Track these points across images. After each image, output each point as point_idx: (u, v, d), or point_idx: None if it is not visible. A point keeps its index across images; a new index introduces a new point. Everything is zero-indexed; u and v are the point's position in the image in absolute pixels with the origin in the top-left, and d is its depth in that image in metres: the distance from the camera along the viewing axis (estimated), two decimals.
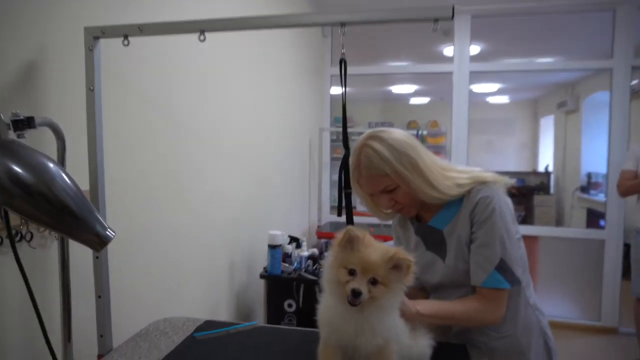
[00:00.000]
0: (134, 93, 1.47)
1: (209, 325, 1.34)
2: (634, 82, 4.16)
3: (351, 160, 1.17)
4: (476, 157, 7.56)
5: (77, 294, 1.15)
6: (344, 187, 1.12)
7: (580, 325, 3.64)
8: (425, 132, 4.09)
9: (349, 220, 1.12)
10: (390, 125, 7.58)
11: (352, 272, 0.86)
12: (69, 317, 1.04)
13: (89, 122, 1.14)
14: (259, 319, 2.48)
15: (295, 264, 2.33)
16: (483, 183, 1.15)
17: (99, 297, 1.16)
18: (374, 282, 0.86)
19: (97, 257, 1.16)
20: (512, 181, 1.19)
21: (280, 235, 2.25)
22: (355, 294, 0.84)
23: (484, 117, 7.81)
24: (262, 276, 2.27)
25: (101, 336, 1.17)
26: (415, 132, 4.03)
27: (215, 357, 1.13)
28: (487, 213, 1.12)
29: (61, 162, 1.03)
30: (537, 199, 6.36)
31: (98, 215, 0.84)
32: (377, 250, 0.88)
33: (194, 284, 1.87)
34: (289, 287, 2.20)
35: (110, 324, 1.19)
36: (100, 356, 1.16)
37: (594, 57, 3.80)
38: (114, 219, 1.37)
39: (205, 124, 1.92)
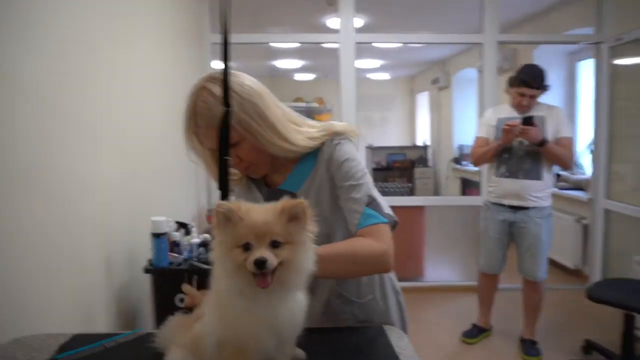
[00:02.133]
0: None
1: (77, 340, 1.05)
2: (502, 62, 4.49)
3: (186, 107, 1.01)
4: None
5: None
6: (221, 154, 0.94)
7: (460, 287, 3.92)
8: (316, 105, 3.97)
9: (224, 194, 0.95)
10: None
11: (246, 247, 0.72)
12: None
13: None
14: (147, 321, 2.16)
15: (186, 253, 2.05)
16: (335, 134, 1.08)
17: None
18: (275, 244, 0.72)
19: None
20: (361, 132, 1.14)
21: (165, 222, 1.95)
22: (260, 263, 0.69)
23: (366, 93, 8.03)
24: (147, 270, 1.96)
25: None
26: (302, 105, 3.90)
27: None
28: (342, 159, 1.05)
29: None
30: (418, 171, 6.74)
31: None
32: (262, 210, 0.75)
33: (57, 292, 1.50)
34: (179, 280, 1.91)
35: None
36: None
37: (465, 33, 4.01)
38: None
39: (58, 92, 1.53)
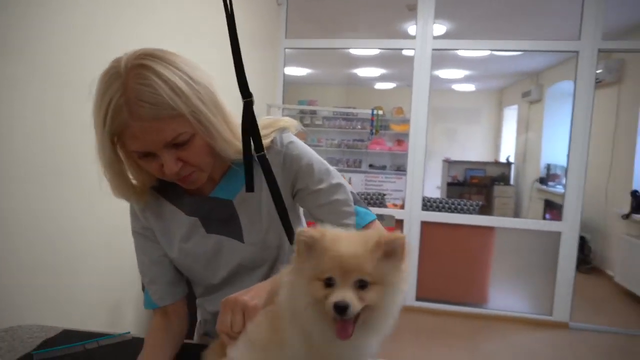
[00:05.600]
0: None
1: (65, 336, 1.04)
2: (599, 70, 4.01)
3: (109, 98, 0.71)
4: (436, 146, 7.44)
5: None
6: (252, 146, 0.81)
7: (531, 320, 3.51)
8: (380, 113, 3.80)
9: (249, 188, 0.83)
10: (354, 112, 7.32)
11: (328, 282, 0.60)
12: None
13: None
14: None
15: None
16: (281, 129, 0.92)
17: None
18: (362, 284, 0.59)
19: None
20: (301, 126, 0.97)
21: None
22: (341, 308, 0.57)
23: (449, 105, 7.67)
24: None
25: None
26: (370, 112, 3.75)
27: None
28: (305, 160, 0.90)
29: None
30: (497, 189, 6.28)
31: None
32: (352, 241, 0.62)
33: (86, 284, 1.54)
34: None
35: None
36: None
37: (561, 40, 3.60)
38: None
39: None
